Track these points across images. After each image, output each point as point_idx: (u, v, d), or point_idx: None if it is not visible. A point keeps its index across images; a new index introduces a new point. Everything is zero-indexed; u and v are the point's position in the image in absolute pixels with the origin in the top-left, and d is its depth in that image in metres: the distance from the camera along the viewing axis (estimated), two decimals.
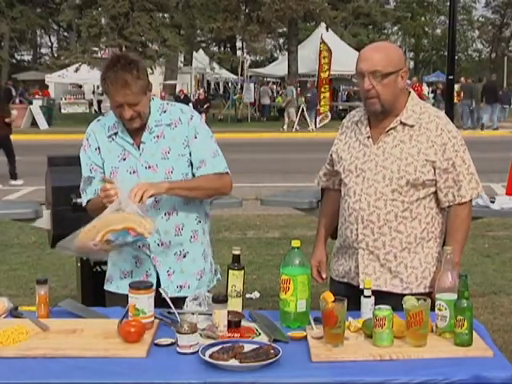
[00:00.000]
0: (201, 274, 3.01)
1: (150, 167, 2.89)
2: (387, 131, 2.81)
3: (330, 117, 24.94)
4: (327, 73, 24.31)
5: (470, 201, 2.85)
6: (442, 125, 2.80)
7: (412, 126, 2.80)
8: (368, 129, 2.87)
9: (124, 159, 2.91)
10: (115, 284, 3.00)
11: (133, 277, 2.93)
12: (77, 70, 29.33)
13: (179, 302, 2.67)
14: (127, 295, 2.53)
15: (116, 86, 2.75)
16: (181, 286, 2.94)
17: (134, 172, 2.90)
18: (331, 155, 3.02)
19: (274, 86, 34.54)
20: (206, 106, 26.12)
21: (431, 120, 2.80)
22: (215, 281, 3.11)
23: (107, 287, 3.04)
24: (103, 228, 2.64)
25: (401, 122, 2.80)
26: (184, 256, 2.96)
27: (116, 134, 2.93)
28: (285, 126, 24.23)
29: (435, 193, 2.83)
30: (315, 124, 24.19)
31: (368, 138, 2.86)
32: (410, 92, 2.88)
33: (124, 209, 2.64)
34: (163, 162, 2.89)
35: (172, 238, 2.92)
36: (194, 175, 2.94)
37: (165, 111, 2.94)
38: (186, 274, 2.96)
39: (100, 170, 2.96)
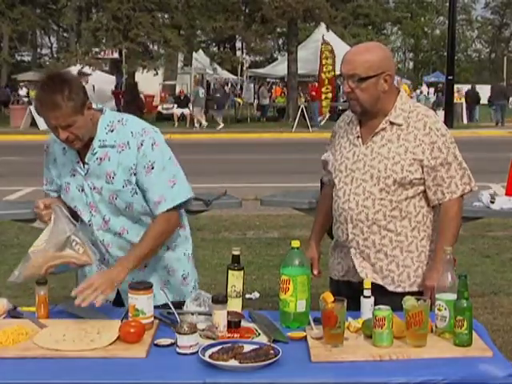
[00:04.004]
0: (162, 284, 2.91)
1: (95, 188, 2.79)
2: (376, 132, 2.83)
3: (326, 116, 25.06)
4: (332, 73, 24.20)
5: (461, 198, 2.85)
6: (431, 123, 2.80)
7: (400, 125, 2.80)
8: (358, 128, 2.89)
9: (74, 175, 2.82)
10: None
11: None
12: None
13: None
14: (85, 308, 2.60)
15: (46, 108, 2.61)
16: None
17: (82, 190, 2.81)
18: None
19: (274, 86, 34.54)
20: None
21: (419, 119, 2.81)
22: (186, 294, 2.92)
23: None
24: (43, 265, 2.63)
25: (390, 122, 2.81)
26: (144, 266, 2.87)
27: (65, 148, 2.82)
28: (196, 125, 24.90)
29: (425, 191, 2.83)
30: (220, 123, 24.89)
31: (358, 137, 2.88)
32: (399, 91, 2.88)
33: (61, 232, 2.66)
34: (108, 186, 2.76)
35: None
36: (151, 210, 2.79)
37: (112, 130, 2.76)
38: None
39: (54, 182, 2.89)
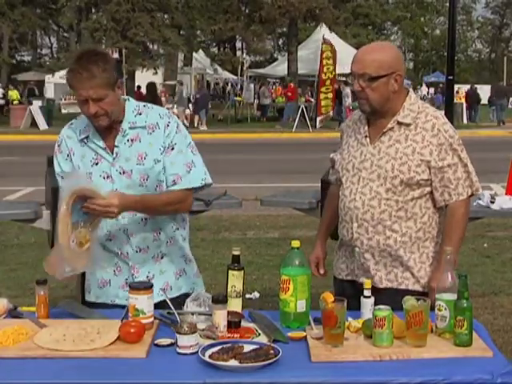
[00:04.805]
0: (180, 273, 2.93)
1: (124, 173, 2.77)
2: (384, 132, 2.82)
3: (330, 116, 25.06)
4: (333, 73, 24.15)
5: (468, 200, 2.85)
6: (439, 125, 2.80)
7: (408, 125, 2.80)
8: (366, 128, 2.88)
9: (96, 164, 2.79)
10: (94, 294, 2.93)
11: (111, 285, 2.88)
12: None
13: (163, 305, 2.61)
14: (106, 304, 2.63)
15: (80, 77, 2.61)
16: (163, 290, 2.79)
17: (107, 177, 2.78)
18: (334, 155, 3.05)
19: (274, 86, 34.57)
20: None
21: (428, 120, 2.81)
22: (199, 285, 3.00)
23: (87, 298, 2.95)
24: (65, 217, 2.54)
25: (398, 122, 2.81)
26: (162, 257, 2.88)
27: (87, 137, 2.80)
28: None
29: (431, 192, 2.83)
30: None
31: (365, 137, 2.87)
32: (408, 91, 2.88)
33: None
34: (138, 167, 2.77)
35: (150, 243, 2.84)
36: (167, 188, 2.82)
37: (140, 113, 2.81)
38: (165, 275, 2.86)
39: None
